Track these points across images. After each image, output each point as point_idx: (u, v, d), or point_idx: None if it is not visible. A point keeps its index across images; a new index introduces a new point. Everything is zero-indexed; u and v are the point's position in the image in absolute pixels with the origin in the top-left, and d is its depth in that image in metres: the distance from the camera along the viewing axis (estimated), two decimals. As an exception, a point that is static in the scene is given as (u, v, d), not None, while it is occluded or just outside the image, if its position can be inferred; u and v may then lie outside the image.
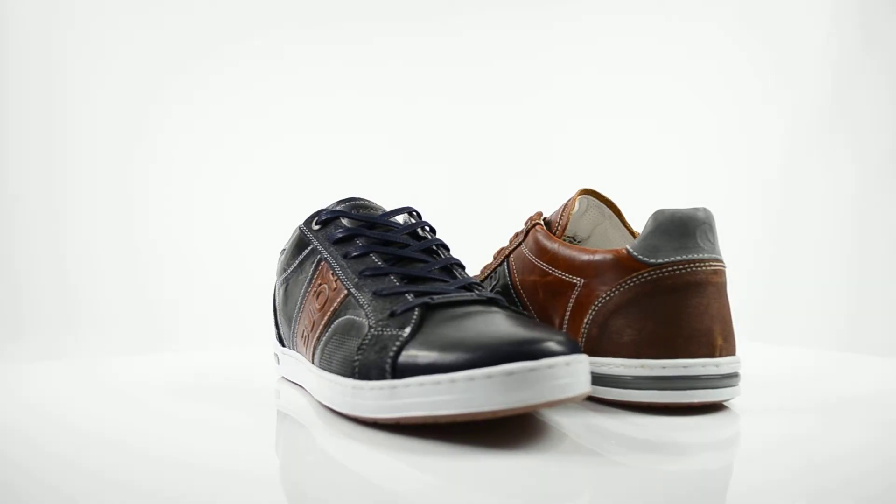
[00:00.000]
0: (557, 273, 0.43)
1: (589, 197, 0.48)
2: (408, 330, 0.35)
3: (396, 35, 1.13)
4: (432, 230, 0.46)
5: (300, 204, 0.59)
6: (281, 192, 1.07)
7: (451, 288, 0.39)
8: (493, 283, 0.50)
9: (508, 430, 0.35)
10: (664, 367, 0.37)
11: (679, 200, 1.18)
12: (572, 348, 0.33)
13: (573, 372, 0.32)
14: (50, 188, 1.03)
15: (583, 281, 0.41)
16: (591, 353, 0.40)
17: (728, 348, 0.38)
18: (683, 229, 0.38)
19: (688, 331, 0.37)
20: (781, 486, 0.28)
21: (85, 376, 0.55)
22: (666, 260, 0.38)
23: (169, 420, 0.40)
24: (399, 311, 0.37)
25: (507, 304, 0.39)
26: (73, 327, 1.00)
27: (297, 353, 0.46)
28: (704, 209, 0.39)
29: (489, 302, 0.39)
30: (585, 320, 0.41)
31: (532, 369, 0.30)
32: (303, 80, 1.11)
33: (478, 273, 0.54)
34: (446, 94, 1.14)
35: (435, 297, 0.38)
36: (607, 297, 0.39)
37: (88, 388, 0.50)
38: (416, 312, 0.36)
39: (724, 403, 0.40)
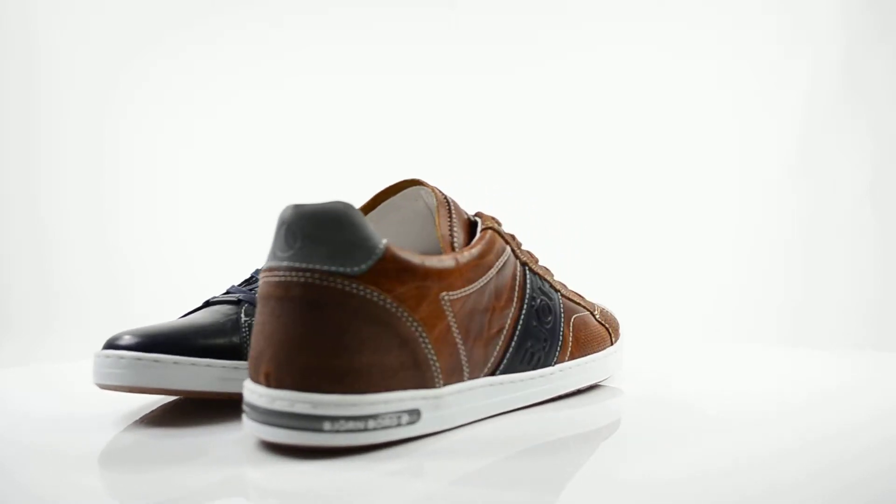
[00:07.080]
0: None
1: (422, 187, 0.44)
2: None
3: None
4: None
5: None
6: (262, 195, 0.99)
7: (251, 287, 0.43)
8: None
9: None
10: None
11: (690, 185, 1.03)
12: (132, 346, 0.36)
13: (112, 364, 0.36)
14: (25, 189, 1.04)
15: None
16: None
17: (286, 380, 0.30)
18: (276, 231, 0.32)
19: (252, 350, 0.32)
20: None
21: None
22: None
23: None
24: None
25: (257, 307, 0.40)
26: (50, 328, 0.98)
27: None
28: (292, 206, 0.32)
29: (236, 303, 0.42)
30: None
31: (97, 355, 0.37)
32: (280, 67, 1.07)
33: None
34: (444, 92, 1.07)
35: (217, 296, 0.43)
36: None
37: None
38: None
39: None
